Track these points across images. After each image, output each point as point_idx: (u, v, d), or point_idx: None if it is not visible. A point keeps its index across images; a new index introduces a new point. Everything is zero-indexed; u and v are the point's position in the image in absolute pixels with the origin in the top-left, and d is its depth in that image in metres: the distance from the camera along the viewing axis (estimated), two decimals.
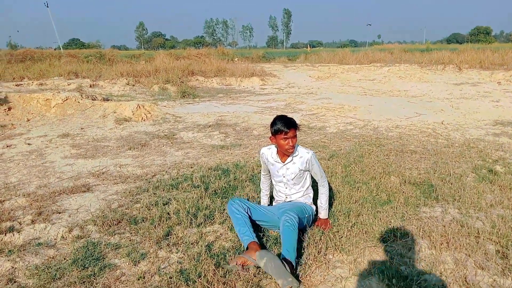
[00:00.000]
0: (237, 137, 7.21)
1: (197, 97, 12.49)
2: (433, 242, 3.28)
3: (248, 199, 4.14)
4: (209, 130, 7.71)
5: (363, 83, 16.69)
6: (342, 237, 3.41)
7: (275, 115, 3.45)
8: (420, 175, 4.98)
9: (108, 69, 18.55)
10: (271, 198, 3.93)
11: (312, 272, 2.90)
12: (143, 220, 3.76)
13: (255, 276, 2.83)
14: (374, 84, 16.25)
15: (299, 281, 2.77)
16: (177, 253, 3.18)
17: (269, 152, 3.49)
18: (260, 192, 3.98)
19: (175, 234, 3.50)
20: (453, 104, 10.65)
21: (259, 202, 4.05)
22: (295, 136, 3.20)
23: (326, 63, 25.88)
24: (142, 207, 4.07)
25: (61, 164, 5.71)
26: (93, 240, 3.42)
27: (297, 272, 2.87)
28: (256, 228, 3.41)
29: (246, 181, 4.87)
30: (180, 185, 4.72)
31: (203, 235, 3.48)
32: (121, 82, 15.97)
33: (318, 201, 3.55)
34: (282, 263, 2.70)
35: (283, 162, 3.38)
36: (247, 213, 3.28)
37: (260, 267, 2.81)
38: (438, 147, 6.37)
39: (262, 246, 3.20)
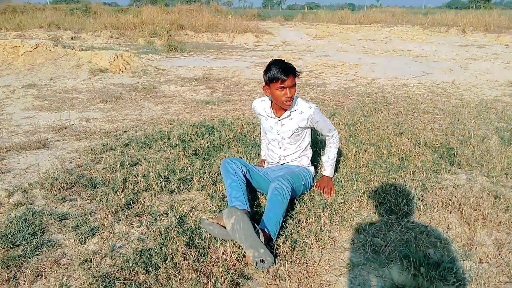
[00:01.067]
0: (226, 93, 6.41)
1: (185, 52, 11.53)
2: (465, 218, 2.59)
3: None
4: (194, 84, 6.88)
5: (364, 43, 15.74)
6: (349, 208, 2.72)
7: (271, 60, 2.73)
8: (436, 136, 4.26)
9: (92, 22, 17.31)
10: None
11: (314, 256, 2.21)
12: (103, 184, 3.03)
13: (238, 260, 2.13)
14: (375, 44, 15.32)
15: (274, 256, 2.13)
16: (139, 227, 2.47)
17: (262, 105, 2.87)
18: (261, 151, 3.33)
19: (140, 202, 2.78)
20: (462, 65, 9.86)
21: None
22: (294, 85, 2.56)
23: (325, 23, 24.64)
24: (104, 168, 3.33)
25: (19, 116, 4.90)
26: (35, 208, 2.69)
27: (275, 250, 2.22)
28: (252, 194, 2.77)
29: (233, 140, 4.13)
30: (154, 143, 3.97)
31: (175, 204, 2.77)
32: (105, 35, 14.89)
33: (324, 156, 2.99)
34: (256, 230, 2.15)
35: (278, 117, 2.76)
36: (245, 176, 2.68)
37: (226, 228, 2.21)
38: (452, 107, 5.64)
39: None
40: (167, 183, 3.03)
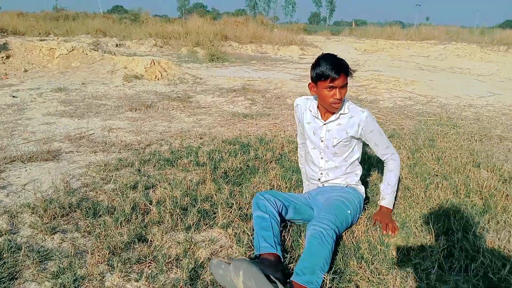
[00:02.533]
0: (266, 106, 5.77)
1: (226, 62, 11.06)
2: None
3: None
4: (232, 95, 6.29)
5: (416, 59, 14.75)
6: (428, 273, 1.96)
7: (321, 54, 2.19)
8: None
9: (137, 30, 17.33)
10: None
11: None
12: (107, 212, 2.43)
13: None
14: (429, 60, 14.30)
15: None
16: (137, 280, 1.83)
17: (307, 104, 2.41)
18: (302, 173, 2.79)
19: (146, 240, 2.15)
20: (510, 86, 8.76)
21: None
22: (346, 85, 2.14)
23: (373, 38, 23.72)
24: (113, 190, 2.76)
25: (38, 122, 4.47)
26: (17, 240, 2.13)
27: None
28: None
29: (271, 162, 3.47)
30: (179, 160, 3.37)
31: (191, 246, 2.12)
32: (149, 43, 14.78)
33: (383, 183, 2.47)
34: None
35: (324, 120, 2.30)
36: (279, 212, 2.17)
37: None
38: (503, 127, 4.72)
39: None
40: (184, 216, 2.39)
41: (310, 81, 2.19)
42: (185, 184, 2.86)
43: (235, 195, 2.74)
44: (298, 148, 2.76)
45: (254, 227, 2.09)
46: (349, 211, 2.23)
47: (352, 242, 2.20)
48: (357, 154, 2.41)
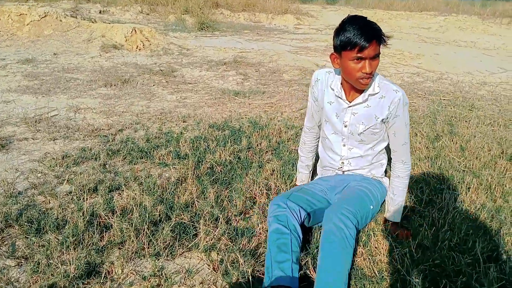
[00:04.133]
0: (260, 81, 5.14)
1: (217, 31, 10.28)
2: None
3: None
4: (222, 69, 5.63)
5: (417, 31, 14.03)
6: None
7: (347, 16, 1.69)
8: None
9: None
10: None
11: None
12: (55, 228, 1.86)
13: None
14: (430, 33, 13.60)
15: None
16: None
17: (329, 80, 1.92)
18: (298, 161, 2.31)
19: (100, 273, 1.60)
20: None
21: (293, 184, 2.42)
22: (378, 56, 1.67)
23: (371, 8, 22.80)
24: (68, 194, 2.18)
25: None
26: None
27: None
28: None
29: (266, 152, 2.91)
30: (155, 151, 2.78)
31: (162, 282, 1.56)
32: (134, 10, 13.83)
33: (389, 190, 2.01)
34: None
35: (349, 102, 1.85)
36: (302, 222, 1.75)
37: None
38: None
39: None
40: (154, 234, 1.83)
41: (333, 50, 1.73)
42: (160, 186, 2.29)
43: (223, 202, 2.17)
44: (302, 134, 2.20)
45: (267, 245, 1.63)
46: (371, 206, 1.85)
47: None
48: (387, 141, 1.97)
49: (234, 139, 3.11)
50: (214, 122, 3.50)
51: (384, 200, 2.03)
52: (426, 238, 1.90)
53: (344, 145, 1.95)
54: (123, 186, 2.28)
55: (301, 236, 1.66)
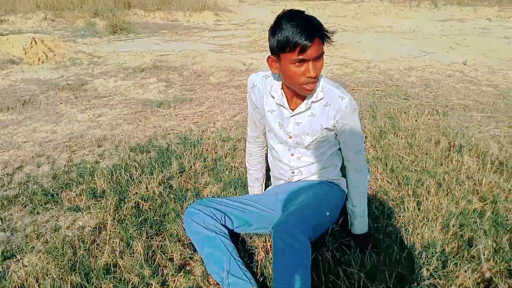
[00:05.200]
0: (186, 87, 4.67)
1: (132, 33, 9.54)
2: None
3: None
4: (141, 76, 5.07)
5: (336, 19, 14.22)
6: None
7: (282, 11, 1.46)
8: (502, 150, 2.83)
9: (23, 1, 14.75)
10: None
11: None
12: None
13: None
14: (348, 21, 13.83)
15: None
16: None
17: (267, 85, 1.68)
18: (247, 175, 2.12)
19: None
20: (457, 41, 8.53)
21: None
22: (321, 56, 1.45)
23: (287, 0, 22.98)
24: None
25: None
26: None
27: None
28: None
29: (202, 174, 2.50)
30: (64, 192, 2.25)
31: None
32: (37, 17, 12.55)
33: (347, 201, 1.81)
34: None
35: (292, 110, 1.64)
36: (223, 224, 1.64)
37: None
38: (491, 98, 4.22)
39: None
40: None
41: (270, 53, 1.48)
42: (71, 242, 1.79)
43: (155, 254, 1.73)
44: (247, 144, 1.99)
45: (203, 259, 1.56)
46: (327, 213, 1.65)
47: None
48: (337, 145, 1.75)
49: (163, 163, 2.65)
50: (136, 143, 3.00)
51: (345, 203, 1.83)
52: (401, 264, 1.62)
53: (292, 155, 1.74)
54: (23, 249, 1.75)
55: (228, 234, 1.60)
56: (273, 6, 18.74)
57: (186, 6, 14.56)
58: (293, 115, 1.61)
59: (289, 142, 1.69)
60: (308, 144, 1.65)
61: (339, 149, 1.78)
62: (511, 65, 6.07)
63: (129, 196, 2.20)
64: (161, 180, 2.38)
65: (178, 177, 2.47)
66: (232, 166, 2.63)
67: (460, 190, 2.31)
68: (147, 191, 2.26)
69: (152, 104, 3.98)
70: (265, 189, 2.10)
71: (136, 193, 2.23)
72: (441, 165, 2.66)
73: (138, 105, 3.97)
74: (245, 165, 2.06)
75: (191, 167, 2.60)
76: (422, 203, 2.15)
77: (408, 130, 3.21)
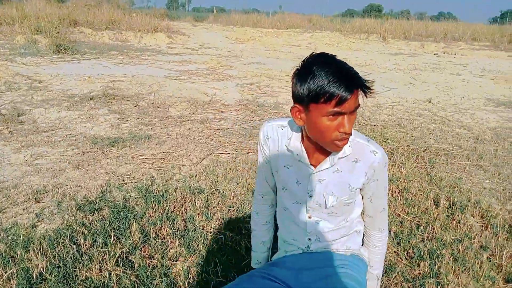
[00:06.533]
0: (143, 121, 4.12)
1: (78, 53, 8.80)
2: None
3: None
4: (90, 106, 4.44)
5: (290, 48, 14.22)
6: None
7: (309, 55, 1.22)
8: (503, 207, 2.58)
9: None
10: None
11: None
12: None
13: None
14: (302, 50, 13.86)
15: None
16: None
17: (283, 137, 1.42)
18: (251, 237, 1.73)
19: None
20: (414, 76, 8.64)
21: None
22: (357, 108, 1.20)
23: (239, 25, 22.95)
24: None
25: None
26: None
27: None
28: None
29: (172, 242, 1.99)
30: None
31: None
32: None
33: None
34: None
35: (313, 166, 1.36)
36: None
37: None
38: (468, 142, 4.07)
39: None
40: None
41: (294, 101, 1.25)
42: None
43: None
44: (254, 202, 1.66)
45: None
46: None
47: None
48: (360, 207, 1.52)
49: (119, 228, 2.11)
50: (84, 197, 2.43)
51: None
52: None
53: (310, 217, 1.47)
54: None
55: None
56: (226, 31, 18.59)
57: (137, 27, 13.95)
58: (316, 172, 1.38)
59: (309, 202, 1.44)
60: (332, 205, 1.42)
61: (360, 215, 1.55)
62: (474, 104, 6.10)
63: (76, 284, 1.64)
64: (118, 256, 1.85)
65: (140, 248, 1.95)
66: (208, 231, 2.15)
67: (478, 263, 1.99)
68: (100, 273, 1.72)
69: (104, 142, 3.40)
70: (271, 256, 1.73)
71: (87, 278, 1.68)
72: (448, 228, 2.33)
73: (87, 143, 3.37)
74: (251, 226, 1.71)
75: (156, 233, 2.08)
76: (442, 284, 1.79)
77: (399, 181, 2.89)
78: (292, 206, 1.49)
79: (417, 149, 3.69)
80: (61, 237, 1.96)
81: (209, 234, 2.13)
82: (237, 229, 2.22)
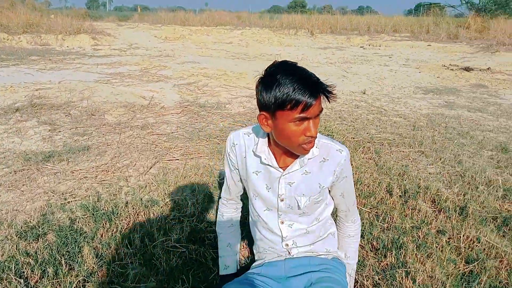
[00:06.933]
0: (78, 131, 3.82)
1: None
2: None
3: None
4: (16, 119, 4.04)
5: (222, 46, 14.09)
6: None
7: (272, 64, 1.27)
8: (451, 190, 2.72)
9: None
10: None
11: None
12: None
13: None
14: (235, 47, 13.81)
15: None
16: None
17: (250, 143, 1.46)
18: (218, 242, 1.72)
19: None
20: (345, 69, 8.94)
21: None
22: (321, 112, 1.26)
23: (167, 24, 22.38)
24: None
25: None
26: None
27: None
28: None
29: (129, 262, 1.83)
30: None
31: None
32: None
33: (340, 252, 1.64)
34: None
35: (283, 169, 1.41)
36: None
37: None
38: (405, 129, 4.26)
39: None
40: None
41: (261, 110, 1.29)
42: None
43: None
44: (220, 206, 1.69)
45: None
46: None
47: None
48: (333, 203, 1.57)
49: (69, 254, 1.91)
50: (25, 223, 2.18)
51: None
52: None
53: (282, 222, 1.50)
54: None
55: None
56: (154, 30, 18.03)
57: (58, 29, 13.07)
58: (284, 174, 1.41)
59: (280, 206, 1.47)
60: (305, 206, 1.44)
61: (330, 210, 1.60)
62: (405, 92, 6.41)
63: None
64: (76, 285, 1.66)
65: (98, 274, 1.78)
66: (168, 246, 2.02)
67: (439, 248, 2.06)
68: None
69: (37, 157, 3.09)
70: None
71: None
72: (405, 216, 2.40)
73: (18, 160, 3.05)
74: (217, 230, 1.71)
75: (112, 255, 1.91)
76: (411, 273, 1.83)
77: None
78: (264, 214, 1.51)
79: (361, 140, 3.79)
80: (4, 271, 1.73)
81: (170, 249, 2.00)
82: (199, 240, 2.11)
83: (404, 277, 1.83)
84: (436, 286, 1.79)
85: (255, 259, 1.63)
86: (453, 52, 12.83)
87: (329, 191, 1.52)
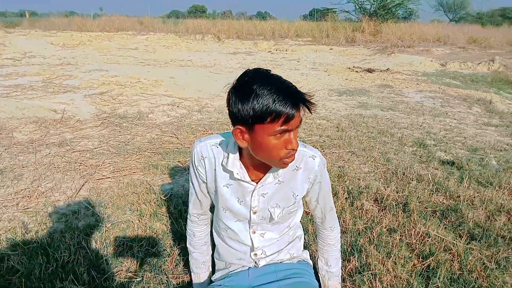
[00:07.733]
0: None
1: None
2: None
3: None
4: None
5: (129, 52, 13.46)
6: None
7: (244, 72, 1.17)
8: (389, 188, 2.85)
9: None
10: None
11: None
12: None
13: None
14: (143, 54, 13.27)
15: None
16: None
17: (219, 156, 1.37)
18: (190, 259, 1.65)
19: None
20: None
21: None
22: (301, 123, 1.21)
23: (62, 30, 20.83)
24: None
25: None
26: None
27: None
28: None
29: None
30: None
31: None
32: None
33: (320, 262, 1.63)
34: None
35: (255, 181, 1.36)
36: None
37: None
38: (332, 131, 4.40)
39: None
40: None
41: (236, 123, 1.19)
42: None
43: None
44: (189, 224, 1.59)
45: None
46: None
47: None
48: (300, 213, 1.54)
49: None
50: None
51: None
52: None
53: (254, 232, 1.45)
54: None
55: None
56: (50, 37, 16.65)
57: None
58: (258, 188, 1.34)
59: (253, 218, 1.41)
60: (278, 218, 1.40)
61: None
62: (321, 95, 6.66)
63: None
64: None
65: None
66: (121, 277, 1.81)
67: (395, 247, 2.13)
68: None
69: None
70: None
71: None
72: (356, 217, 2.45)
73: None
74: (189, 248, 1.61)
75: None
76: (378, 276, 1.86)
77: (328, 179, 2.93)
78: (234, 225, 1.45)
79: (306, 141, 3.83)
80: None
81: (123, 280, 1.80)
82: (155, 266, 1.93)
83: (372, 280, 1.85)
84: (403, 285, 1.84)
85: (216, 268, 1.57)
86: (353, 54, 13.76)
87: (304, 196, 1.48)
